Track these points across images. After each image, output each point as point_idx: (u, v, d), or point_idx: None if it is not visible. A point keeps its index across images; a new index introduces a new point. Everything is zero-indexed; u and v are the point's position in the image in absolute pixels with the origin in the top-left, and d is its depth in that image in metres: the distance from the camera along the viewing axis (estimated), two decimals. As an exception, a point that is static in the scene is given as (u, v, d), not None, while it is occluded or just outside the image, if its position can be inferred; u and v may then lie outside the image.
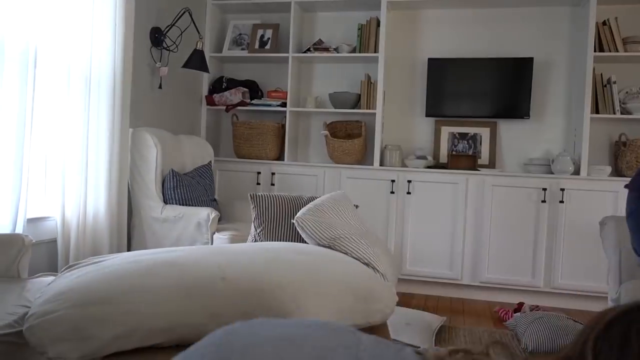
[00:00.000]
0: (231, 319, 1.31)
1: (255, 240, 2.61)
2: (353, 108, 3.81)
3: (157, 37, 3.28)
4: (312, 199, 2.24)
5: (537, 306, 3.00)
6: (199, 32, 3.44)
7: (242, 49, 4.03)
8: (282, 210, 2.21)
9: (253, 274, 1.41)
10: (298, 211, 2.16)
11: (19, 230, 2.17)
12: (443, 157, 3.80)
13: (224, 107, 3.93)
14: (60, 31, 2.45)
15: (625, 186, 2.07)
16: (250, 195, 2.26)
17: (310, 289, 1.38)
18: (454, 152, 3.76)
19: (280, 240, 2.19)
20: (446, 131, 3.83)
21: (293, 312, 1.34)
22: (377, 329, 1.44)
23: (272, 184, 3.76)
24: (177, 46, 3.39)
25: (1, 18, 2.08)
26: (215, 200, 3.32)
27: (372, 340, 0.60)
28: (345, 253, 1.67)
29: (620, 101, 3.46)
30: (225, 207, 3.41)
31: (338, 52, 3.82)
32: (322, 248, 1.71)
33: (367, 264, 1.70)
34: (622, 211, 3.11)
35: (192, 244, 2.74)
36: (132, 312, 1.26)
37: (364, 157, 3.79)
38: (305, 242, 1.90)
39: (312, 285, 1.39)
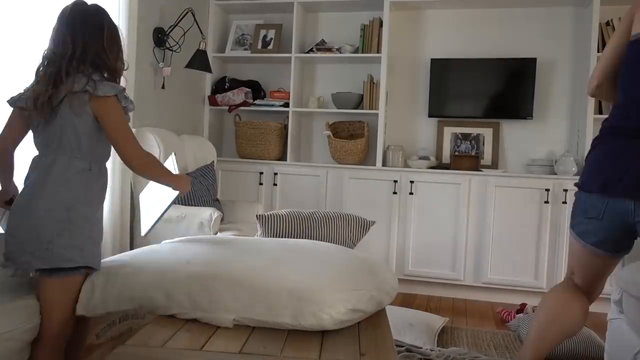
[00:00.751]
0: (180, 299, 1.45)
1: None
2: (356, 108, 3.81)
3: (160, 37, 3.28)
4: (323, 214, 2.29)
5: (540, 307, 2.99)
6: (201, 33, 3.44)
7: (245, 49, 4.03)
8: (290, 231, 2.22)
9: (210, 260, 1.59)
10: (308, 230, 2.21)
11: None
12: (446, 158, 3.80)
13: (227, 107, 3.93)
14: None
15: None
16: (257, 216, 2.26)
17: (246, 281, 1.45)
18: (456, 153, 3.75)
19: None
20: (449, 132, 3.83)
21: (225, 301, 1.42)
22: (378, 332, 1.44)
23: (275, 184, 3.77)
24: (180, 46, 3.40)
25: (4, 19, 2.09)
26: (217, 200, 3.33)
27: None
28: None
29: (623, 102, 3.45)
30: (227, 207, 3.41)
31: (341, 53, 3.82)
32: (324, 244, 1.84)
33: None
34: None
35: (195, 244, 2.75)
36: (111, 282, 1.56)
37: (366, 158, 3.79)
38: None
39: (249, 278, 1.46)
